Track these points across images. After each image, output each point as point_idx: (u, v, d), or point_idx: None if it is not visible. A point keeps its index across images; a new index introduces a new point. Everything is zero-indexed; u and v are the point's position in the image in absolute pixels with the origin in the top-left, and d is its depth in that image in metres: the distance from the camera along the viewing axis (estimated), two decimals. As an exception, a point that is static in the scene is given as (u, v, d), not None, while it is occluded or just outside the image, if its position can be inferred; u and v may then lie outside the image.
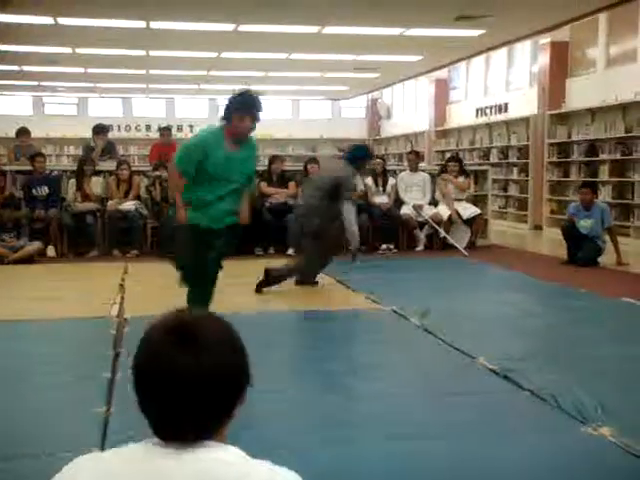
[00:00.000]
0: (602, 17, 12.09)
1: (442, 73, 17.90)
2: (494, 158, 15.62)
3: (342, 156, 7.75)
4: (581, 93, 13.05)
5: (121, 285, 7.13)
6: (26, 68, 16.08)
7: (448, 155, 14.03)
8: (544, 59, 13.78)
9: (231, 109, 4.99)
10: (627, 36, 12.08)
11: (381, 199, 10.44)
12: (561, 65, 13.58)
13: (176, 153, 5.12)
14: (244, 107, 5.03)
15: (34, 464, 2.89)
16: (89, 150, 10.84)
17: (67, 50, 13.63)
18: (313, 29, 11.55)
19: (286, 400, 3.69)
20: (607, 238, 8.80)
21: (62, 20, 10.90)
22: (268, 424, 3.27)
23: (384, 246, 10.14)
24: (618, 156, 11.68)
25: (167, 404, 1.29)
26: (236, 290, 7.04)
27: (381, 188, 10.58)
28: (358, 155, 7.11)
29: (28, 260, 8.77)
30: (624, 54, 12.21)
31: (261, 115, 5.17)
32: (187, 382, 1.28)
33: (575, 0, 9.47)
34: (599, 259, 8.70)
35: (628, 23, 11.85)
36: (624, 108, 11.76)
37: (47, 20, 10.87)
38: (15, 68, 15.87)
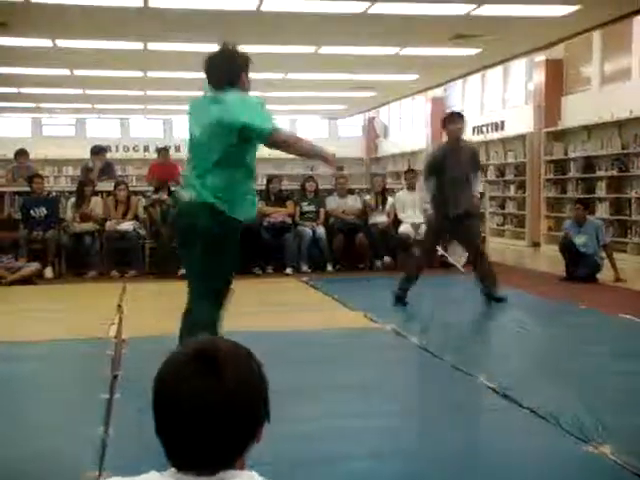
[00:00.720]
0: (596, 35, 12.18)
1: (438, 91, 17.99)
2: (491, 175, 15.67)
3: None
4: (577, 110, 13.11)
5: (119, 306, 7.11)
6: (24, 90, 16.14)
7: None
8: (540, 77, 13.86)
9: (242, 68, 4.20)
10: (621, 54, 12.16)
11: (380, 218, 10.46)
12: (557, 83, 13.65)
13: (258, 114, 4.06)
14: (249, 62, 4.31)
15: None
16: (87, 171, 10.87)
17: (65, 72, 13.69)
18: (310, 49, 11.62)
19: (286, 420, 3.67)
20: (604, 254, 8.81)
21: (60, 42, 10.96)
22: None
23: (379, 262, 10.15)
24: (615, 172, 11.72)
25: (188, 431, 1.28)
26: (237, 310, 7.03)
27: (380, 207, 10.60)
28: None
29: (26, 281, 8.76)
30: (619, 71, 12.28)
31: None
32: (209, 410, 1.27)
33: (569, 18, 9.53)
34: (597, 275, 8.70)
35: (622, 41, 11.93)
36: (620, 125, 11.82)
37: (45, 42, 10.94)
38: (13, 90, 15.93)
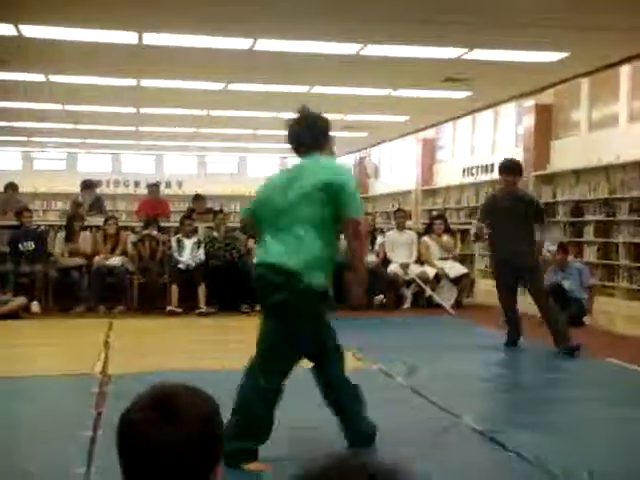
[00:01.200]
0: (585, 82, 12.37)
1: (429, 133, 18.16)
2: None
3: None
4: (565, 155, 13.25)
5: (106, 342, 7.06)
6: (16, 124, 16.20)
7: (435, 214, 14.16)
8: (529, 121, 14.02)
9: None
10: (609, 100, 12.34)
11: (370, 257, 10.47)
12: (546, 127, 13.81)
13: (357, 204, 3.86)
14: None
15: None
16: (77, 205, 10.87)
17: (57, 107, 13.76)
18: (302, 88, 11.73)
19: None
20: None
21: (53, 77, 11.03)
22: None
23: (379, 297, 10.15)
24: (602, 217, 11.81)
25: (153, 474, 1.35)
26: (221, 347, 7.01)
27: (370, 246, 10.62)
28: None
29: (12, 315, 8.69)
30: (606, 117, 12.44)
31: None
32: (171, 455, 1.35)
33: (558, 65, 9.69)
34: (584, 319, 8.71)
35: (610, 88, 12.11)
36: (607, 170, 11.94)
37: (38, 77, 11.01)
38: (5, 124, 15.99)
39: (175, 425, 1.35)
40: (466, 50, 9.04)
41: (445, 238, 10.72)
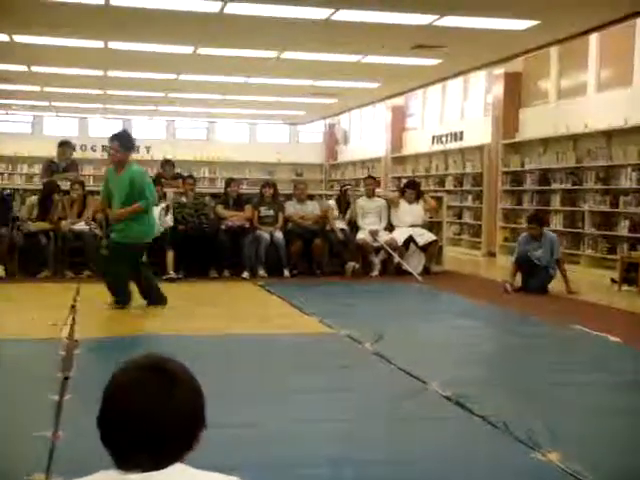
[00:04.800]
0: (553, 50, 12.40)
1: (399, 100, 18.13)
2: (449, 185, 15.83)
3: None
4: (534, 123, 13.33)
5: (73, 306, 7.02)
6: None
7: (404, 182, 14.18)
8: (498, 89, 14.06)
9: None
10: (578, 69, 12.40)
11: (341, 224, 10.50)
12: (515, 95, 13.86)
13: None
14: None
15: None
16: (52, 166, 10.59)
17: (23, 68, 13.48)
18: (272, 54, 11.62)
19: (241, 424, 3.66)
20: (557, 267, 8.95)
21: (18, 38, 10.79)
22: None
23: (351, 264, 10.15)
24: (569, 186, 11.93)
25: (141, 438, 1.38)
26: (187, 313, 7.01)
27: (343, 214, 10.65)
28: None
29: (-23, 280, 8.58)
30: (575, 87, 12.52)
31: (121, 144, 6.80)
32: (163, 418, 1.39)
33: (528, 33, 9.69)
34: (549, 286, 8.84)
35: (578, 57, 12.17)
36: (575, 139, 12.04)
37: (2, 37, 10.76)
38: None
39: (170, 390, 1.40)
40: (437, 16, 8.99)
41: (419, 205, 10.71)
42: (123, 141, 6.94)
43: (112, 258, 7.01)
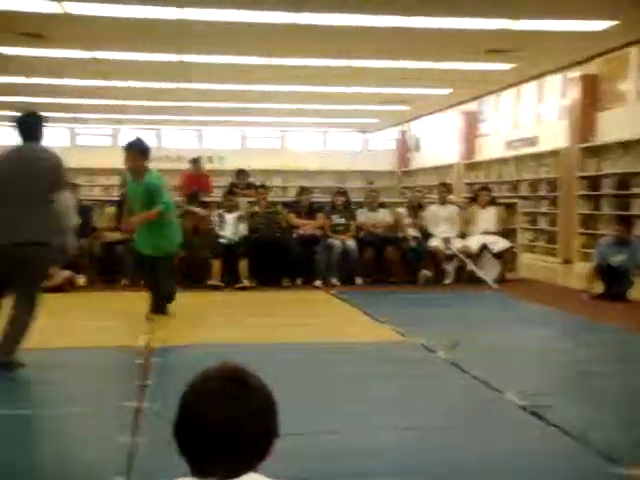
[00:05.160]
0: (633, 51, 12.06)
1: (471, 106, 17.93)
2: (523, 191, 15.55)
3: None
4: (612, 126, 12.98)
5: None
6: (62, 100, 16.37)
7: (477, 188, 14.01)
8: (574, 92, 13.75)
9: None
10: (658, 70, 12.03)
11: (413, 232, 10.42)
12: (592, 98, 13.53)
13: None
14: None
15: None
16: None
17: (102, 83, 13.87)
18: (343, 62, 11.65)
19: (316, 433, 3.66)
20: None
21: (98, 54, 11.13)
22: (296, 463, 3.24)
23: (424, 271, 10.06)
24: (650, 190, 11.58)
25: (218, 447, 1.40)
26: (263, 322, 7.07)
27: (413, 221, 10.57)
28: None
29: (58, 289, 8.84)
30: (655, 88, 12.15)
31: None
32: (240, 427, 1.41)
33: (606, 34, 9.45)
34: (627, 293, 8.59)
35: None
36: (656, 142, 11.68)
37: (84, 54, 11.11)
38: (52, 100, 16.15)
39: (247, 399, 1.43)
40: (510, 20, 8.86)
41: (491, 210, 10.57)
42: (140, 148, 6.90)
43: (155, 271, 7.06)
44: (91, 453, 3.40)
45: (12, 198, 4.57)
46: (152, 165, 7.17)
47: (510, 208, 11.48)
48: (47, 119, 5.00)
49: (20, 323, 4.80)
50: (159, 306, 7.11)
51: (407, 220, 10.52)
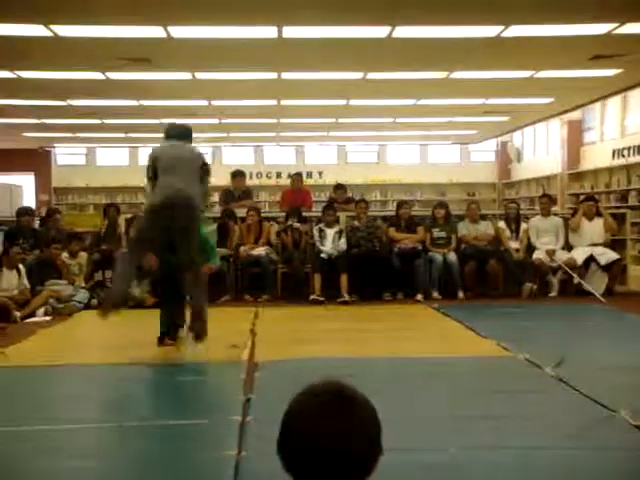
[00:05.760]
0: None
1: (575, 114, 17.45)
2: (633, 201, 15.00)
3: None
4: None
5: (252, 330, 7.26)
6: (166, 121, 16.89)
7: (582, 198, 13.59)
8: (685, 97, 13.19)
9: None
10: None
11: (513, 244, 10.21)
12: None
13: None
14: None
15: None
16: (229, 195, 11.10)
17: (203, 102, 14.24)
18: (441, 75, 11.56)
19: (417, 450, 3.61)
20: None
21: (200, 75, 11.44)
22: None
23: (528, 285, 9.81)
24: None
25: (323, 465, 1.40)
26: (364, 336, 7.06)
27: (514, 233, 10.35)
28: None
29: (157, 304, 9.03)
30: None
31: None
32: (346, 446, 1.40)
33: None
34: None
35: None
36: None
37: (186, 76, 11.45)
38: (155, 122, 16.71)
39: (355, 416, 1.43)
40: (617, 24, 8.57)
41: (598, 221, 10.22)
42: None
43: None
44: (198, 465, 3.46)
45: (176, 171, 6.10)
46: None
47: (619, 219, 11.06)
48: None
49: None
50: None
51: (507, 233, 10.31)
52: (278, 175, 22.37)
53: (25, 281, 8.75)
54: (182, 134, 6.59)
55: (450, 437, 3.85)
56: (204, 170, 6.35)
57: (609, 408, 4.26)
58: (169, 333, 6.44)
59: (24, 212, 10.47)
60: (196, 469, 3.42)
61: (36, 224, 10.82)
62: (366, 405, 1.46)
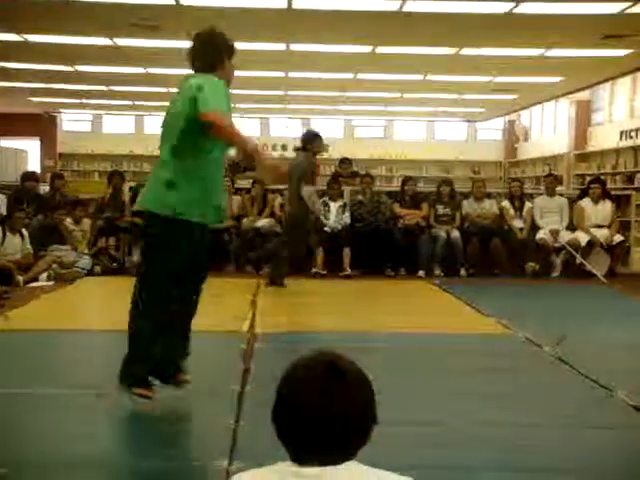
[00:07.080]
0: None
1: (584, 94, 17.33)
2: (639, 183, 14.94)
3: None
4: None
5: (253, 301, 7.28)
6: (173, 90, 16.82)
7: (588, 179, 13.54)
8: (696, 80, 13.09)
9: (223, 53, 4.39)
10: None
11: (517, 223, 10.19)
12: None
13: (207, 97, 3.98)
14: (233, 49, 4.54)
15: (165, 467, 2.99)
16: (233, 167, 11.05)
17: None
18: (450, 50, 11.48)
19: (409, 421, 3.64)
20: None
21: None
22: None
23: (530, 264, 9.80)
24: None
25: (316, 432, 1.41)
26: (365, 310, 7.07)
27: (517, 212, 10.32)
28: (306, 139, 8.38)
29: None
30: None
31: None
32: (335, 413, 1.41)
33: None
34: None
35: None
36: None
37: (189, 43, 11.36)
38: (162, 90, 16.63)
39: (345, 384, 1.43)
40: (629, 3, 8.48)
41: (606, 203, 10.17)
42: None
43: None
44: (197, 433, 3.50)
45: None
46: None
47: (625, 200, 11.03)
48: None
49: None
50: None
51: (511, 212, 10.28)
52: (284, 147, 22.30)
53: (28, 245, 8.79)
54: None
55: (447, 412, 3.87)
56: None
57: (607, 388, 4.28)
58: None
59: (29, 177, 10.50)
60: (196, 437, 3.45)
61: (41, 189, 10.82)
62: (360, 375, 1.47)
